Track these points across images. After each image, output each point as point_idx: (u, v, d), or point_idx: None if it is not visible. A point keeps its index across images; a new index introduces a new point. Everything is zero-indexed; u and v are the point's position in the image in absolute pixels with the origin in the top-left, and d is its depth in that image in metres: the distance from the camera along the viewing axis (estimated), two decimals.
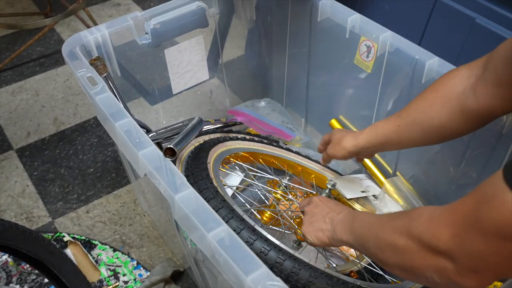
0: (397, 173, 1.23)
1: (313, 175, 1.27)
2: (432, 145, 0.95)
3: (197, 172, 0.93)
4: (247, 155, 1.22)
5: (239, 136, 1.26)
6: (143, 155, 0.84)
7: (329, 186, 1.05)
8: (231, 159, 1.18)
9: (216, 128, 1.29)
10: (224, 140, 1.17)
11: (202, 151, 1.04)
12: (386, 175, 1.24)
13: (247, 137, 1.28)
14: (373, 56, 1.13)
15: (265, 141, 1.30)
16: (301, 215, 1.08)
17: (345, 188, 1.20)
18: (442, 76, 0.84)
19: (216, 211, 0.82)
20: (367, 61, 1.16)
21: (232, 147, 1.18)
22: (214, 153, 1.08)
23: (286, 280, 0.80)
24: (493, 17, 1.04)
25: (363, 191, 1.20)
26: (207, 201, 0.84)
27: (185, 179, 0.80)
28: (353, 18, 1.13)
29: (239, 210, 0.87)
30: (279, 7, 1.35)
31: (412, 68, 1.04)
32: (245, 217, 0.86)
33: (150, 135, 1.08)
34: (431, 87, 0.85)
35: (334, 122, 1.37)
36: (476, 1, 1.08)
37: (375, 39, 1.10)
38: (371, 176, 1.27)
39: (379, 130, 0.93)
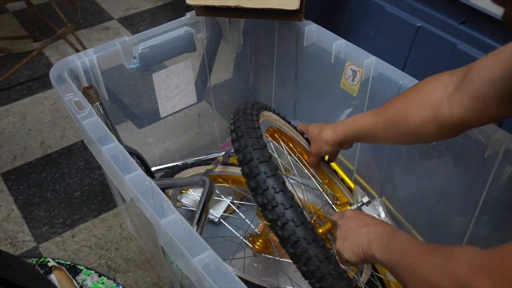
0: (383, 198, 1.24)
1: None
2: (407, 145, 0.98)
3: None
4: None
5: None
6: (129, 180, 0.84)
7: (363, 200, 0.96)
8: None
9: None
10: None
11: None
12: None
13: None
14: (358, 80, 1.15)
15: None
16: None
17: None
18: (423, 80, 0.86)
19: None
20: (353, 85, 1.17)
21: None
22: None
23: None
24: (473, 42, 1.07)
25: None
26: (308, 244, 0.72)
27: (171, 203, 0.80)
28: (338, 44, 1.15)
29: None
30: (266, 32, 1.37)
31: (396, 92, 1.06)
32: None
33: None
34: (411, 89, 0.87)
35: None
36: (457, 28, 1.10)
37: (359, 64, 1.12)
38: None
39: (356, 124, 0.95)
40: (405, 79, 1.04)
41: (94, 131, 0.94)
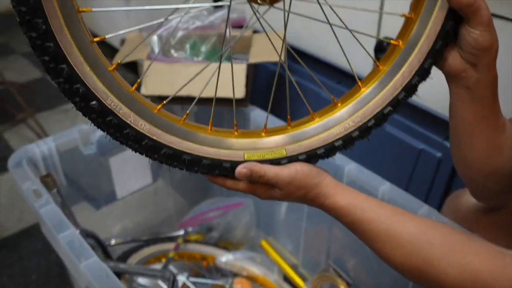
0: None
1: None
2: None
3: None
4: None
5: None
6: (85, 267, 0.89)
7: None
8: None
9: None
10: None
11: None
12: None
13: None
14: None
15: None
16: None
17: None
18: None
19: None
20: None
21: None
22: None
23: None
24: (438, 147, 1.14)
25: None
26: None
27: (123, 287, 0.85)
28: None
29: None
30: (216, 116, 1.47)
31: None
32: None
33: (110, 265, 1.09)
34: None
35: (264, 244, 1.48)
36: (422, 133, 1.17)
37: None
38: None
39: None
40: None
41: (51, 219, 0.99)
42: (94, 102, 0.61)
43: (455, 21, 0.64)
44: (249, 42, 1.38)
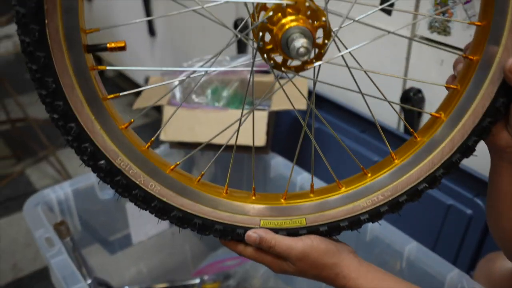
0: None
1: None
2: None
3: None
4: None
5: None
6: None
7: None
8: None
9: None
10: None
11: None
12: None
13: None
14: None
15: None
16: None
17: None
18: None
19: None
20: None
21: None
22: None
23: None
24: (468, 203, 1.08)
25: None
26: None
27: None
28: (302, 177, 1.22)
29: None
30: (236, 163, 1.44)
31: None
32: None
33: None
34: None
35: None
36: (451, 188, 1.11)
37: None
38: None
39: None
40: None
41: (62, 270, 0.96)
42: (102, 162, 0.59)
43: (507, 97, 0.57)
44: (271, 88, 1.35)
